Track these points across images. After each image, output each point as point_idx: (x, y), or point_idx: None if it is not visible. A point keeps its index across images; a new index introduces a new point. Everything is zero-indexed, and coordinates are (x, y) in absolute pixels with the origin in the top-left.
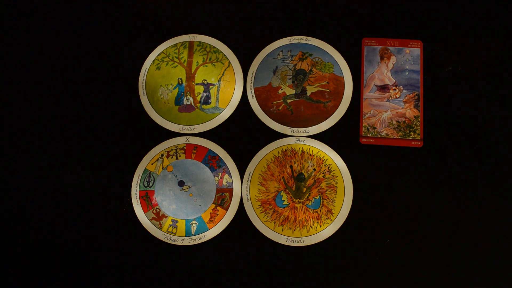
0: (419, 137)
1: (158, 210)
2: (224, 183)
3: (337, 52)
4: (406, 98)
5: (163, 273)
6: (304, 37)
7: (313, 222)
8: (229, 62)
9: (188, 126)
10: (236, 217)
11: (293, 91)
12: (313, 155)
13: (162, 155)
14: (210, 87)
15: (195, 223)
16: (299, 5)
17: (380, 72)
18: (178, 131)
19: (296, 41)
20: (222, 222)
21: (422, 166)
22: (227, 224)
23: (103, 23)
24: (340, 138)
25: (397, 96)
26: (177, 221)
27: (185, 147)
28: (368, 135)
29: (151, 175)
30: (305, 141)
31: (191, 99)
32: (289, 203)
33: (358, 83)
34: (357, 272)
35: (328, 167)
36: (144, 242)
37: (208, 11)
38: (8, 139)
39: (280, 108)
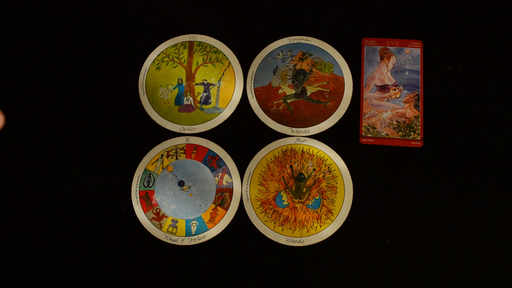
0: (419, 137)
1: (158, 210)
2: (224, 183)
3: (337, 52)
4: (406, 98)
5: (163, 273)
6: (304, 37)
7: (313, 222)
8: (229, 62)
9: (188, 126)
10: (236, 217)
11: (293, 91)
12: (313, 155)
13: (162, 155)
14: (210, 87)
15: (195, 223)
16: (299, 5)
17: (380, 72)
18: (178, 131)
19: (296, 41)
20: (222, 222)
21: (422, 166)
22: (227, 224)
23: (103, 23)
24: (340, 138)
25: (397, 96)
26: (177, 221)
27: (185, 147)
28: (368, 135)
29: (151, 175)
30: (305, 141)
31: (191, 99)
32: (289, 203)
33: (358, 83)
34: (357, 272)
35: (328, 167)
36: (144, 242)
37: (208, 11)
38: (8, 139)
39: (280, 108)
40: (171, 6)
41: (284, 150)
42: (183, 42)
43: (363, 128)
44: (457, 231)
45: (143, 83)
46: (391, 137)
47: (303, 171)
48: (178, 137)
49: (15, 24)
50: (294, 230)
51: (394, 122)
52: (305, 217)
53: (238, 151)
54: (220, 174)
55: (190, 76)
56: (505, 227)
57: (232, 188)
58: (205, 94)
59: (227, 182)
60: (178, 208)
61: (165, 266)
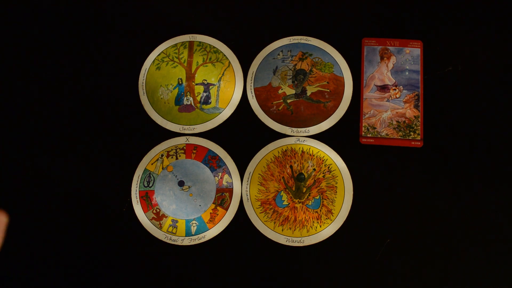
0: (419, 137)
1: (158, 210)
2: (224, 183)
3: (337, 52)
4: (406, 98)
5: (163, 273)
6: (304, 37)
7: (313, 222)
8: (229, 62)
9: (188, 126)
10: (236, 217)
11: (293, 91)
12: (313, 155)
13: (162, 155)
14: (210, 87)
15: (195, 223)
16: (299, 5)
17: (380, 72)
18: (178, 131)
19: (296, 41)
20: (222, 222)
21: (422, 166)
22: (227, 224)
23: (103, 23)
24: (340, 138)
25: (397, 96)
26: (177, 221)
27: (185, 147)
28: (368, 135)
29: (151, 175)
30: (305, 141)
31: (191, 99)
32: (289, 203)
33: (358, 83)
34: (357, 272)
35: (328, 167)
36: (144, 242)
37: (208, 11)
38: (8, 139)
39: (280, 108)
40: (171, 6)
41: (284, 150)
42: (183, 42)
43: (363, 128)
44: (457, 231)
45: (143, 83)
46: (391, 137)
47: (303, 171)
48: (178, 137)
49: (15, 24)
50: (294, 230)
51: (394, 122)
52: (305, 217)
53: (238, 151)
54: (220, 174)
55: (190, 76)
56: (505, 227)
57: (232, 188)
58: (205, 94)
59: (227, 182)
60: (178, 208)
61: (165, 266)
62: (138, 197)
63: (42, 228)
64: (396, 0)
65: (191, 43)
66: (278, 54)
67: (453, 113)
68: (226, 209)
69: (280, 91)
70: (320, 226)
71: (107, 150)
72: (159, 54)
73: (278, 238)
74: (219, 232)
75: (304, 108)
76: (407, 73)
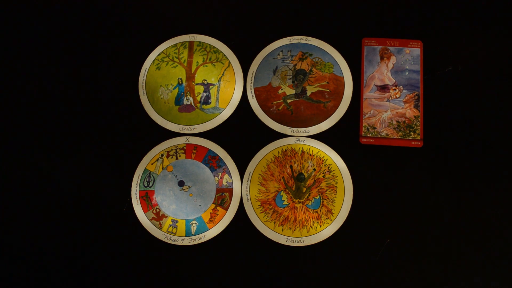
0: (419, 137)
1: (158, 210)
2: (224, 183)
3: (337, 52)
4: (406, 98)
5: (163, 273)
6: (304, 37)
7: (313, 222)
8: (229, 62)
9: (188, 126)
10: (236, 217)
11: (293, 91)
12: (313, 155)
13: (162, 155)
14: (210, 87)
15: (195, 223)
16: (299, 5)
17: (380, 72)
18: (178, 131)
19: (296, 41)
20: (222, 222)
21: (422, 166)
22: (227, 224)
23: (103, 23)
24: (340, 138)
25: (397, 96)
26: (177, 221)
27: (185, 147)
28: (368, 135)
29: (151, 175)
30: (305, 141)
31: (191, 99)
32: (289, 203)
33: (358, 83)
34: (357, 272)
35: (328, 167)
36: (144, 242)
37: (208, 11)
38: (8, 139)
39: (280, 108)
40: (171, 6)
41: (284, 150)
42: (183, 42)
43: (363, 128)
44: (457, 231)
45: (143, 83)
46: (391, 137)
47: (303, 171)
48: (178, 137)
49: (16, 24)
50: (294, 230)
51: (394, 122)
52: (305, 217)
53: (238, 151)
54: (220, 174)
55: (190, 76)
56: (505, 227)
57: (232, 188)
58: (205, 94)
59: (227, 182)
60: (178, 208)
61: (165, 266)
62: (138, 197)
63: (42, 228)
64: (396, 0)
65: (191, 43)
66: (278, 54)
67: (453, 113)
68: (226, 209)
69: (280, 91)
70: (320, 226)
71: (107, 150)
72: (159, 54)
73: (278, 238)
74: (219, 232)
75: (304, 108)
76: (407, 73)
